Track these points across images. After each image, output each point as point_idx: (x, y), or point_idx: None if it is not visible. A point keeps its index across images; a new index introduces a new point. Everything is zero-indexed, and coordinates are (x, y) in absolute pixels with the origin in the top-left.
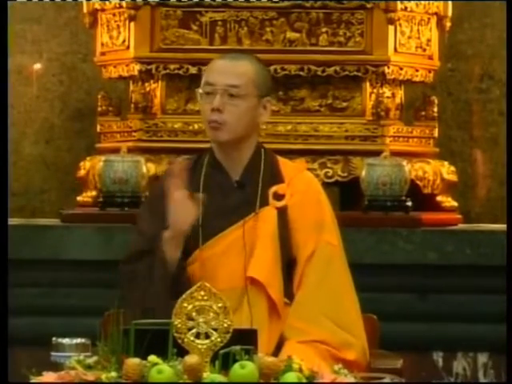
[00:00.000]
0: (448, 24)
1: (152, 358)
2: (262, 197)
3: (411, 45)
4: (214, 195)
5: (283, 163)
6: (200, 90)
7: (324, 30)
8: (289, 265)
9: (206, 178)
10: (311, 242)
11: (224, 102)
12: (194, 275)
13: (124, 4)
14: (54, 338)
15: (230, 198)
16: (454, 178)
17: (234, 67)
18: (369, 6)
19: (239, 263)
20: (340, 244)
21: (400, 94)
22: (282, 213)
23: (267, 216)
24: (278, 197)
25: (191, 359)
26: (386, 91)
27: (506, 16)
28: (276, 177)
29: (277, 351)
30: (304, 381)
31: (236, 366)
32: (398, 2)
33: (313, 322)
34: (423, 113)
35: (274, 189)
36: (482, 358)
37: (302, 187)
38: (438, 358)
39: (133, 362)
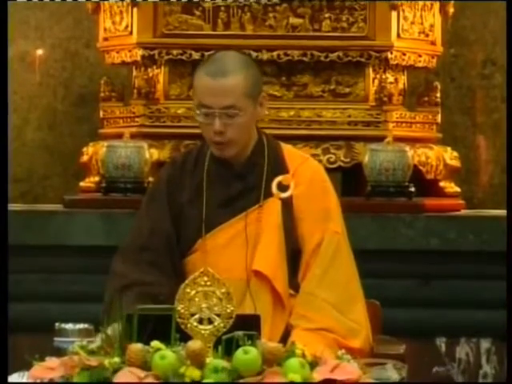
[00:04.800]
0: (451, 10)
1: (155, 343)
2: (266, 188)
3: (414, 30)
4: (216, 186)
5: (287, 151)
6: (197, 111)
7: (327, 15)
8: (293, 256)
9: (208, 171)
10: (318, 231)
11: (224, 123)
12: (195, 265)
13: None
14: (56, 324)
15: (232, 188)
16: (456, 163)
17: (224, 86)
18: None
19: (242, 255)
20: (344, 232)
21: (403, 79)
22: (287, 203)
23: (271, 207)
24: (283, 187)
25: (194, 345)
26: (389, 77)
27: (506, 16)
28: (280, 166)
29: (282, 343)
30: (307, 366)
31: (239, 351)
32: None
33: (319, 310)
34: (426, 98)
35: (278, 179)
36: (485, 344)
37: (308, 177)
38: (441, 343)
39: (136, 347)
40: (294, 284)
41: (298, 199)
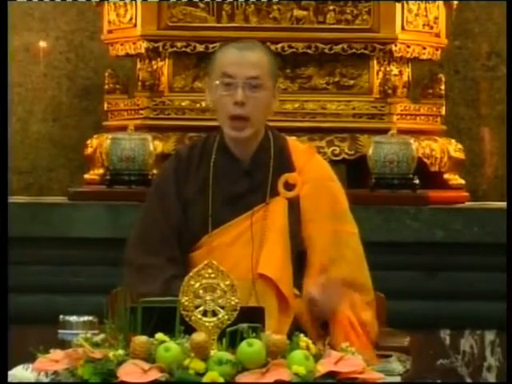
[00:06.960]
0: (455, 2)
1: (159, 335)
2: (272, 185)
3: (418, 22)
4: (222, 182)
5: (293, 147)
6: (217, 82)
7: (331, 7)
8: (298, 256)
9: (214, 165)
10: (326, 231)
11: (246, 94)
12: (199, 261)
13: None
14: (61, 316)
15: (238, 185)
16: (461, 155)
17: (250, 58)
18: None
19: (247, 254)
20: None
21: (407, 71)
22: (293, 203)
23: (277, 207)
24: (289, 186)
25: (198, 337)
26: (394, 69)
27: (506, 16)
28: (286, 163)
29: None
30: (311, 359)
31: (243, 344)
32: None
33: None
34: (430, 91)
35: (284, 178)
36: (490, 336)
37: (314, 175)
38: (446, 335)
39: (140, 339)
40: (299, 284)
41: (305, 200)
